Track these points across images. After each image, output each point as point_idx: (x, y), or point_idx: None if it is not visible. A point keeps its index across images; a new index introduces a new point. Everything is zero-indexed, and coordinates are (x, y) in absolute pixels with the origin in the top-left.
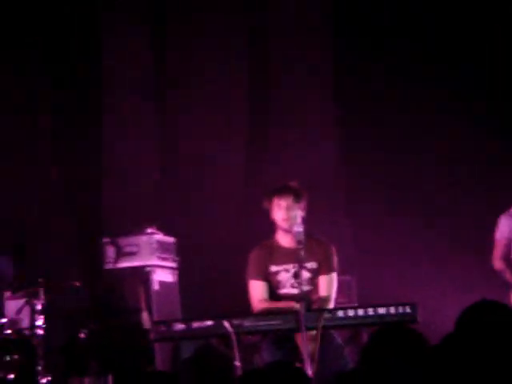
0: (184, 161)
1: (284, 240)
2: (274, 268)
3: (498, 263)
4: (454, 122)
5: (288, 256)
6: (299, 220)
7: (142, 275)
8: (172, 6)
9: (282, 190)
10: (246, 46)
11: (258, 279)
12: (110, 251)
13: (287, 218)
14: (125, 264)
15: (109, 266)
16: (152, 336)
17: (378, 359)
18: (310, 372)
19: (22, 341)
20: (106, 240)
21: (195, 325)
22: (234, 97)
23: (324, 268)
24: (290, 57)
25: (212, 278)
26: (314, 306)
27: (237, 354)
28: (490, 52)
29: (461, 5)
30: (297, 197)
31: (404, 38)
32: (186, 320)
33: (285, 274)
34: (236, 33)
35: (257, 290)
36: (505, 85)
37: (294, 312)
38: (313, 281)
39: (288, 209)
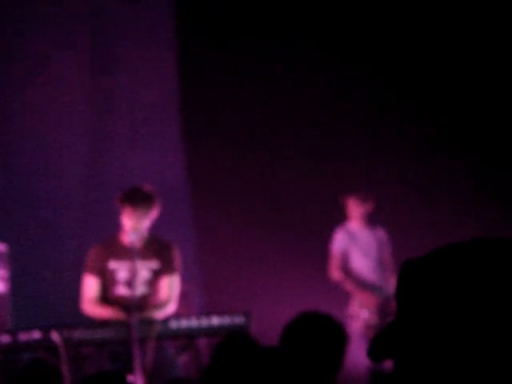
0: (19, 161)
1: (126, 238)
2: (112, 265)
3: (336, 274)
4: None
5: (129, 254)
6: (144, 228)
7: None
8: None
9: (133, 198)
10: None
11: (92, 274)
12: None
13: (135, 227)
14: None
15: None
16: None
17: (220, 372)
18: (140, 383)
19: None
20: None
21: (22, 337)
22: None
23: (165, 269)
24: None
25: (46, 287)
26: (151, 311)
27: (65, 367)
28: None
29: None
30: (148, 206)
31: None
32: (13, 332)
33: (123, 271)
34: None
35: (89, 287)
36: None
37: (126, 322)
38: (152, 282)
39: (138, 218)
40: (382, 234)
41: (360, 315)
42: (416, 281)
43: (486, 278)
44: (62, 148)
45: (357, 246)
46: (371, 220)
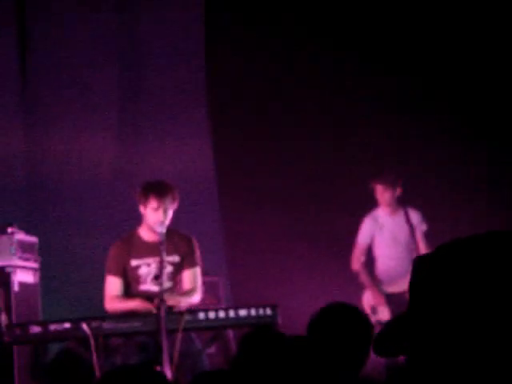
0: (49, 156)
1: (147, 234)
2: (134, 262)
3: (356, 264)
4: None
5: (149, 250)
6: (168, 221)
7: (1, 276)
8: None
9: (160, 190)
10: (114, 48)
11: (114, 275)
12: None
13: (162, 220)
14: None
15: None
16: (6, 339)
17: (248, 363)
18: (169, 375)
19: None
20: None
21: (52, 327)
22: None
23: (187, 262)
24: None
25: (77, 279)
26: (178, 297)
27: (95, 357)
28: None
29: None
30: (173, 199)
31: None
32: (43, 322)
33: (145, 268)
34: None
35: (111, 286)
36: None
37: (155, 314)
38: (174, 276)
39: (165, 211)
40: (414, 216)
41: (370, 312)
42: (429, 276)
43: (496, 272)
44: (91, 142)
45: (384, 233)
46: (403, 203)
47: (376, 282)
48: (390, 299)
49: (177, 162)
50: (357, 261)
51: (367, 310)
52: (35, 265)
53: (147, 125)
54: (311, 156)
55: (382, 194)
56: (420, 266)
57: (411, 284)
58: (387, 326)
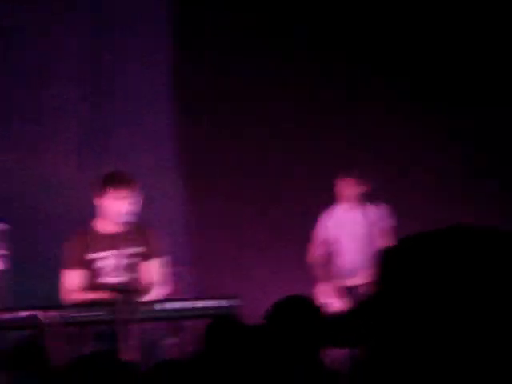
0: (16, 145)
1: (103, 226)
2: (92, 255)
3: (310, 258)
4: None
5: (107, 242)
6: (129, 211)
7: None
8: None
9: (120, 181)
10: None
11: (72, 268)
12: None
13: (123, 211)
14: None
15: None
16: None
17: (209, 352)
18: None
19: None
20: None
21: (7, 316)
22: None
23: (149, 253)
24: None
25: (47, 267)
26: (139, 295)
27: (52, 346)
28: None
29: None
30: (133, 189)
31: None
32: (0, 310)
33: (104, 261)
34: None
35: (69, 280)
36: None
37: (112, 303)
38: (134, 267)
39: (125, 201)
40: (378, 210)
41: (332, 303)
42: (393, 268)
43: (458, 266)
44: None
45: (344, 229)
46: (369, 198)
47: (335, 275)
48: (350, 292)
49: (139, 152)
50: (311, 254)
51: (320, 302)
52: (3, 251)
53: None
54: (280, 143)
55: (345, 188)
56: (385, 258)
57: (377, 275)
58: (347, 315)
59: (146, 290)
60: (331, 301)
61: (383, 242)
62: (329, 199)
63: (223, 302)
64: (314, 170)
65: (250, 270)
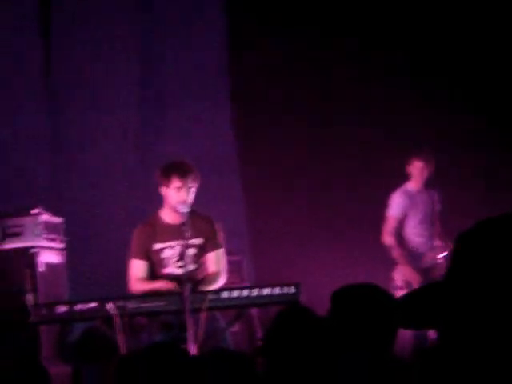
0: (73, 138)
1: (169, 217)
2: (157, 246)
3: (388, 239)
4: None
5: (173, 233)
6: (191, 201)
7: (27, 256)
8: None
9: (182, 170)
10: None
11: (138, 258)
12: None
13: (186, 200)
14: (9, 245)
15: None
16: (32, 319)
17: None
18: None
19: None
20: None
21: (78, 307)
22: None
23: (210, 245)
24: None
25: (102, 259)
26: (202, 285)
27: (120, 336)
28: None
29: None
30: (195, 178)
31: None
32: (69, 302)
33: (169, 251)
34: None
35: (136, 270)
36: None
37: (179, 293)
38: (198, 258)
39: (187, 191)
40: (437, 193)
41: (404, 287)
42: (473, 251)
43: None
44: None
45: (417, 209)
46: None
47: (409, 256)
48: (425, 273)
49: (198, 143)
50: (389, 235)
51: (400, 284)
52: (61, 245)
53: (169, 105)
54: (335, 136)
55: (422, 170)
56: (464, 242)
57: (454, 258)
58: (415, 296)
59: (209, 279)
60: (414, 284)
61: (439, 224)
62: (392, 182)
63: (288, 290)
64: (374, 159)
65: (309, 258)
